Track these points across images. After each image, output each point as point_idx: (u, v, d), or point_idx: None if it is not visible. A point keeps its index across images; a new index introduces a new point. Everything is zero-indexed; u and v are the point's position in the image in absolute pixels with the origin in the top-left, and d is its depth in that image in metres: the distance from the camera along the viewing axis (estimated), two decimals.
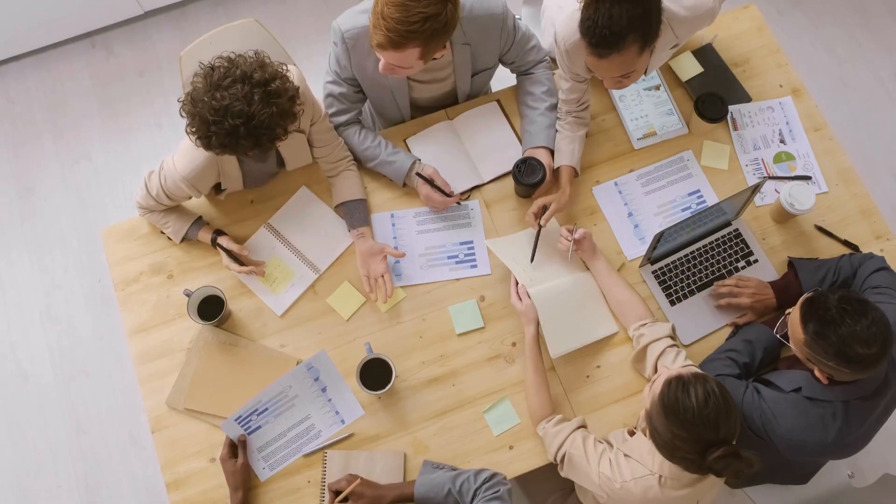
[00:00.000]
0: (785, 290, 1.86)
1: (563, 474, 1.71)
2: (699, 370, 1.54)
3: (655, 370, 1.75)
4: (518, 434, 1.84)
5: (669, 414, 1.42)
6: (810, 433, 1.59)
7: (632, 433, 1.68)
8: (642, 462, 1.56)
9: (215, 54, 1.61)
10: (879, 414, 1.63)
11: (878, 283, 1.74)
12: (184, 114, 1.59)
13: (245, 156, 1.74)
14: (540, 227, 1.90)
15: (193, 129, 1.58)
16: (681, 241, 1.94)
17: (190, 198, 1.89)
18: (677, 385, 1.44)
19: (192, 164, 1.76)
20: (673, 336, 1.79)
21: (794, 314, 1.55)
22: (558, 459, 1.71)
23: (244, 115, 1.52)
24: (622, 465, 1.58)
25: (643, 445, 1.58)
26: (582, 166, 2.06)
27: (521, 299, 1.83)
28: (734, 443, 1.43)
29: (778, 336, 1.66)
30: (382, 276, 1.91)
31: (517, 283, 1.86)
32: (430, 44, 1.67)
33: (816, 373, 1.56)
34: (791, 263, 1.90)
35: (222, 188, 1.91)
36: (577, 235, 1.87)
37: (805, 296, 1.54)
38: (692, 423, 1.40)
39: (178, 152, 1.78)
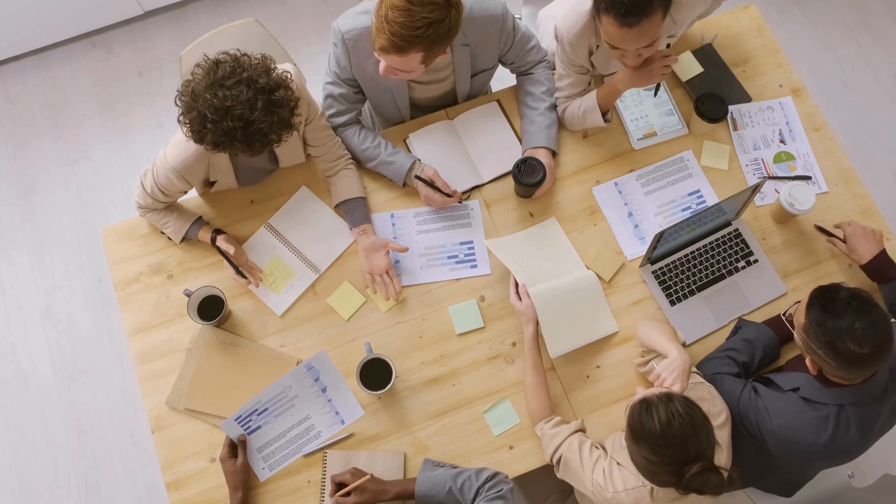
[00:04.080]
0: (883, 262, 1.82)
1: (559, 476, 1.71)
2: (667, 390, 1.52)
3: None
4: (518, 434, 1.84)
5: (638, 439, 1.43)
6: (802, 432, 1.59)
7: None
8: (634, 473, 1.55)
9: (219, 51, 1.61)
10: (879, 428, 1.63)
11: None
12: (179, 104, 1.58)
13: (237, 155, 1.74)
14: None
15: (188, 122, 1.57)
16: (681, 241, 1.94)
17: (184, 192, 1.88)
18: (640, 409, 1.44)
19: (182, 155, 1.75)
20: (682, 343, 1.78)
21: (803, 300, 1.57)
22: (554, 461, 1.71)
23: (244, 119, 1.52)
24: (615, 474, 1.58)
25: None
26: (582, 166, 2.07)
27: (520, 299, 1.83)
28: (710, 458, 1.41)
29: (783, 318, 1.66)
30: (387, 272, 1.91)
31: (517, 283, 1.85)
32: (433, 48, 1.67)
33: (808, 363, 1.57)
34: None
35: (211, 180, 1.90)
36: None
37: (818, 286, 1.56)
38: (659, 447, 1.40)
39: (169, 145, 1.78)
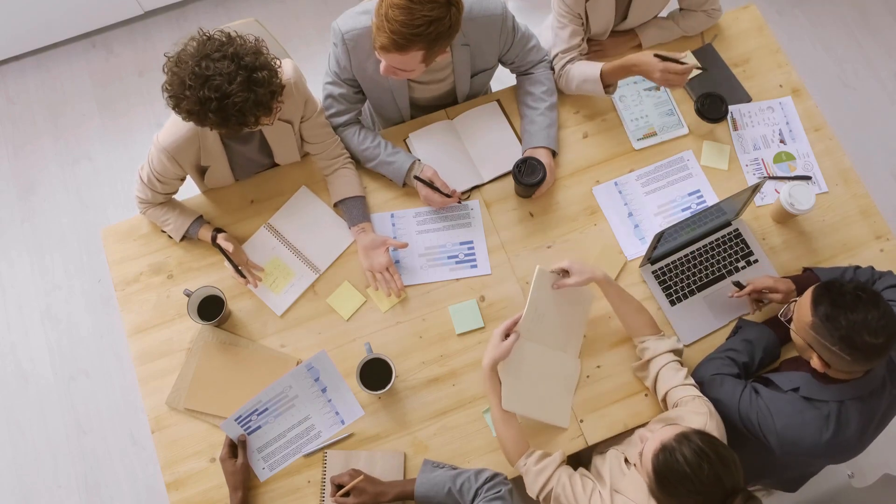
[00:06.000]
0: (806, 281, 1.83)
1: None
2: (680, 427, 1.47)
3: (656, 382, 1.73)
4: None
5: (669, 489, 1.39)
6: (804, 432, 1.59)
7: (627, 462, 1.62)
8: (636, 501, 1.51)
9: (216, 28, 1.62)
10: (878, 422, 1.63)
11: (892, 298, 1.74)
12: (165, 70, 1.59)
13: (210, 129, 1.73)
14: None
15: (169, 87, 1.58)
16: (681, 241, 1.94)
17: (180, 179, 1.88)
18: (663, 457, 1.39)
19: (174, 136, 1.76)
20: (676, 351, 1.75)
21: (804, 297, 1.56)
22: (541, 498, 1.64)
23: (220, 91, 1.52)
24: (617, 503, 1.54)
25: (639, 484, 1.53)
26: (582, 166, 2.07)
27: (505, 335, 1.73)
28: (745, 486, 1.38)
29: (782, 319, 1.65)
30: (387, 269, 1.91)
31: (517, 321, 1.76)
32: (434, 47, 1.68)
33: (814, 361, 1.55)
34: (807, 270, 1.89)
35: (202, 164, 1.88)
36: (563, 264, 1.77)
37: (819, 283, 1.55)
38: (694, 492, 1.36)
39: (162, 129, 1.79)
